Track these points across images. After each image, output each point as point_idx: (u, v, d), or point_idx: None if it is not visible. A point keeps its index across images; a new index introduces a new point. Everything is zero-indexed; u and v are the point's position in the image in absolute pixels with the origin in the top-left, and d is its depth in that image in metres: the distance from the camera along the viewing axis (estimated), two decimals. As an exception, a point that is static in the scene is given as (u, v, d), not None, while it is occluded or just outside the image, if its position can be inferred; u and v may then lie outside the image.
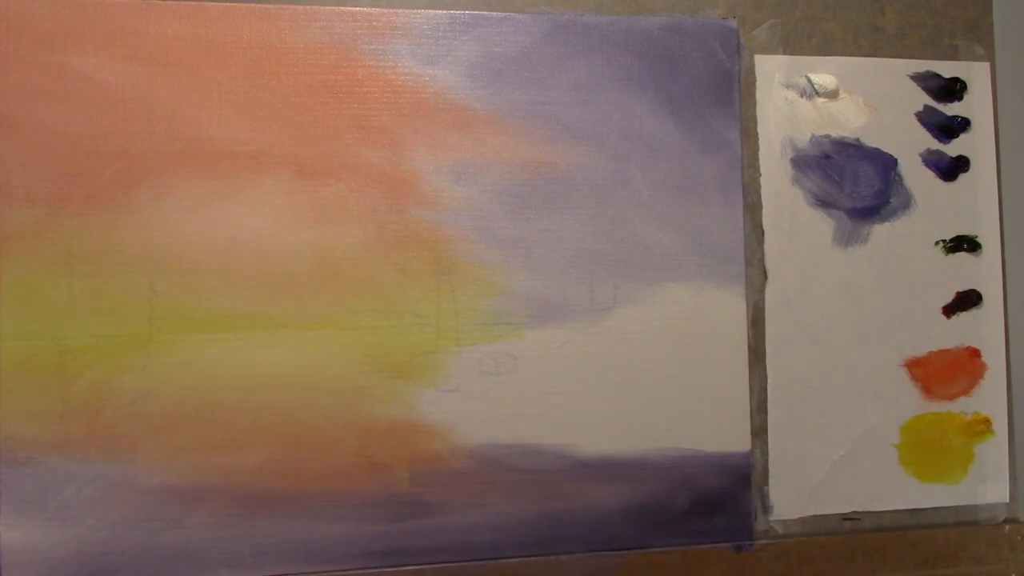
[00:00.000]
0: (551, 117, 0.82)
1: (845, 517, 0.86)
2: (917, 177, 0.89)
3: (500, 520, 0.79)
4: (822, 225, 0.87)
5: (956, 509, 0.88)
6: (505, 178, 0.81)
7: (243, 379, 0.76)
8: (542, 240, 0.81)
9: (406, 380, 0.78)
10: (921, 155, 0.89)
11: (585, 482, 0.81)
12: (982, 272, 0.89)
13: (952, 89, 0.90)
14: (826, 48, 0.88)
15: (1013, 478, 0.89)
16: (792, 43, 0.87)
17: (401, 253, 0.79)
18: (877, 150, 0.88)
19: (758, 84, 0.86)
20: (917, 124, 0.89)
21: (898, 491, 0.87)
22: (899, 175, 0.88)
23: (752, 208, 0.86)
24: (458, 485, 0.79)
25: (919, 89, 0.89)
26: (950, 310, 0.89)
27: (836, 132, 0.87)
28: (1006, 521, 0.89)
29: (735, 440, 0.84)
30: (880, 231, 0.88)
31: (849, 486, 0.86)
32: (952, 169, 0.89)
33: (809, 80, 0.87)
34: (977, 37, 0.91)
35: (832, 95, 0.87)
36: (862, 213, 0.87)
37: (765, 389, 0.85)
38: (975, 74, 0.90)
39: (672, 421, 0.83)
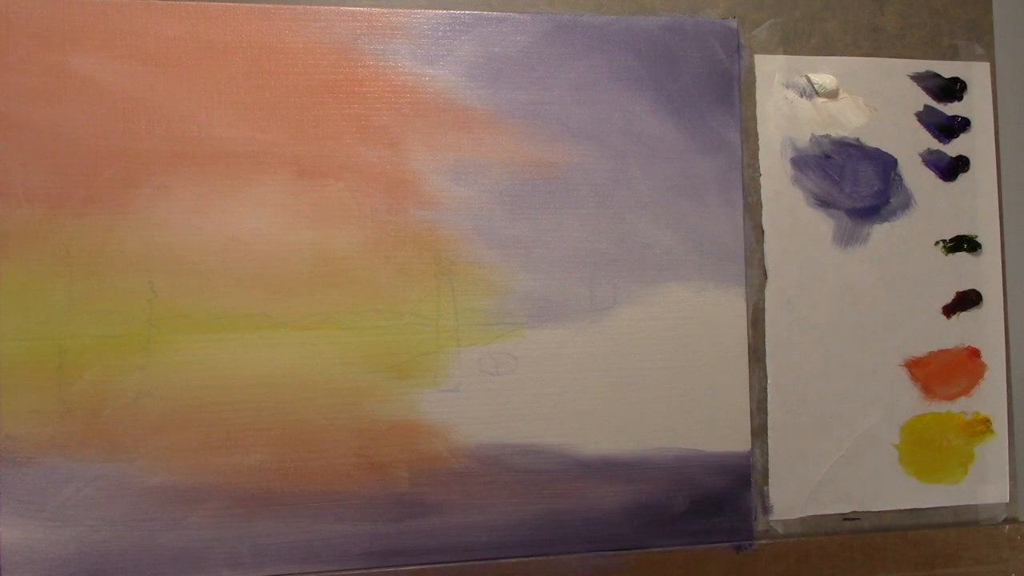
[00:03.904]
0: (551, 117, 0.82)
1: (845, 517, 0.86)
2: (917, 177, 0.89)
3: (500, 520, 0.79)
4: (822, 225, 0.87)
5: (956, 509, 0.88)
6: (505, 178, 0.81)
7: (243, 379, 0.76)
8: (542, 240, 0.81)
9: (406, 380, 0.78)
10: (921, 155, 0.89)
11: (585, 482, 0.81)
12: (982, 272, 0.89)
13: (952, 89, 0.90)
14: (826, 48, 0.88)
15: (1013, 478, 0.89)
16: (792, 43, 0.87)
17: (401, 253, 0.79)
18: (877, 150, 0.88)
19: (758, 84, 0.86)
20: (917, 124, 0.89)
21: (898, 491, 0.87)
22: (899, 175, 0.88)
23: (752, 208, 0.86)
24: (458, 485, 0.79)
25: (919, 89, 0.89)
26: (950, 310, 0.89)
27: (836, 132, 0.87)
28: (1006, 521, 0.89)
29: (735, 440, 0.84)
30: (880, 231, 0.88)
31: (849, 486, 0.86)
32: (952, 169, 0.89)
33: (809, 80, 0.87)
34: (977, 37, 0.91)
35: (832, 95, 0.87)
36: (862, 213, 0.87)
37: (765, 389, 0.85)
38: (975, 74, 0.90)
39: (672, 421, 0.83)
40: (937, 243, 0.89)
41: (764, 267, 0.85)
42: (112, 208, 0.74)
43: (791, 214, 0.86)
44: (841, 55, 0.88)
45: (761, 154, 0.86)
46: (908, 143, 0.88)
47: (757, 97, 0.86)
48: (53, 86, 0.74)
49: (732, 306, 0.84)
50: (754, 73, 0.86)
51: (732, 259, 0.84)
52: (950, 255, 0.89)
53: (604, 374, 0.82)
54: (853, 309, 0.87)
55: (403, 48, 0.79)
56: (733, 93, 0.85)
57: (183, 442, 0.75)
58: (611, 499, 0.81)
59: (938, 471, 0.88)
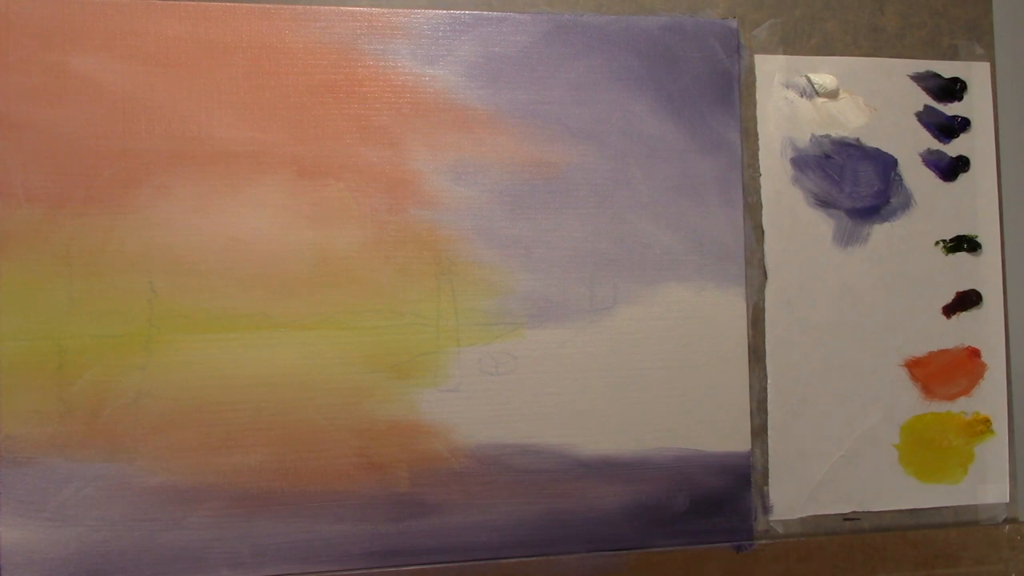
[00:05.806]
0: (551, 117, 0.82)
1: (845, 517, 0.86)
2: (917, 177, 0.89)
3: (500, 520, 0.79)
4: (822, 225, 0.87)
5: (956, 509, 0.88)
6: (505, 178, 0.81)
7: (243, 379, 0.76)
8: (542, 240, 0.81)
9: (406, 380, 0.78)
10: (921, 155, 0.89)
11: (585, 482, 0.81)
12: (982, 272, 0.89)
13: (952, 89, 0.90)
14: (826, 48, 0.88)
15: (1013, 478, 0.89)
16: (792, 43, 0.87)
17: (401, 253, 0.79)
18: (877, 150, 0.88)
19: (758, 84, 0.86)
20: (917, 124, 0.89)
21: (898, 491, 0.87)
22: (899, 175, 0.88)
23: (752, 208, 0.86)
24: (458, 485, 0.79)
25: (919, 89, 0.89)
26: (950, 310, 0.89)
27: (836, 132, 0.87)
28: (1006, 521, 0.89)
29: (735, 440, 0.84)
30: (880, 231, 0.88)
31: (849, 486, 0.86)
32: (952, 169, 0.89)
33: (809, 80, 0.87)
34: (977, 37, 0.91)
35: (832, 95, 0.87)
36: (862, 213, 0.87)
37: (765, 389, 0.85)
38: (975, 74, 0.90)
39: (672, 421, 0.83)
40: (937, 243, 0.89)
41: (764, 267, 0.85)
42: (112, 208, 0.74)
43: (791, 214, 0.86)
44: (841, 55, 0.88)
45: (761, 154, 0.86)
46: (908, 143, 0.88)
47: (757, 97, 0.86)
48: (53, 86, 0.74)
49: (732, 306, 0.84)
50: (754, 73, 0.86)
51: (732, 259, 0.84)
52: (950, 255, 0.89)
53: (604, 374, 0.82)
54: (853, 309, 0.87)
55: (403, 48, 0.79)
56: (733, 93, 0.85)
57: (183, 442, 0.75)
58: (611, 499, 0.81)
59: (938, 471, 0.88)
